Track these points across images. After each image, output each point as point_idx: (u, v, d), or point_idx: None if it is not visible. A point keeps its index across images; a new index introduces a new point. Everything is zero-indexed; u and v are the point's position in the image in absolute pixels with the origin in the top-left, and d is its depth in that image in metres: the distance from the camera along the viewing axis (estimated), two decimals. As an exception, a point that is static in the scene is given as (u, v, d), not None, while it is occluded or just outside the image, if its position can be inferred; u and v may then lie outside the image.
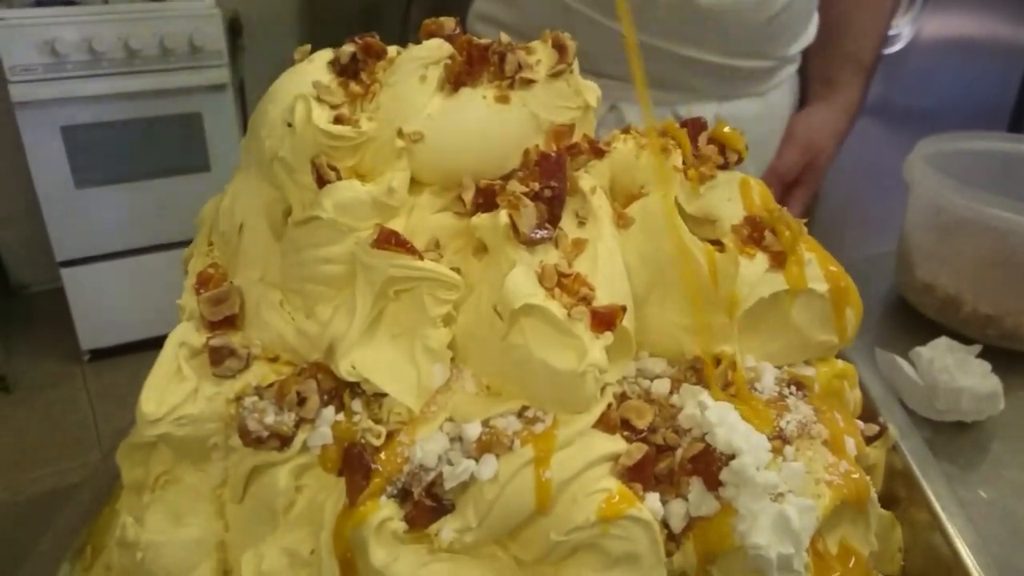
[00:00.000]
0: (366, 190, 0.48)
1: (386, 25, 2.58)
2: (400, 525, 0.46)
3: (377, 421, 0.48)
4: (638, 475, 0.47)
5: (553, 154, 0.49)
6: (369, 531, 0.45)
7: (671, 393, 0.51)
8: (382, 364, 0.48)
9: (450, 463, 0.47)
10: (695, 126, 0.54)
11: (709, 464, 0.47)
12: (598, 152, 0.53)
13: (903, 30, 2.13)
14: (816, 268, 0.52)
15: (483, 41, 0.52)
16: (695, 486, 0.48)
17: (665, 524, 0.48)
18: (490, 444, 0.46)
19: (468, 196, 0.50)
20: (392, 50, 0.53)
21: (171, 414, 0.48)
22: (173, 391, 0.48)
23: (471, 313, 0.49)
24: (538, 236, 0.47)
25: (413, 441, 0.47)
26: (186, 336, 0.50)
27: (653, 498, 0.47)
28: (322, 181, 0.48)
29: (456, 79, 0.51)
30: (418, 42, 0.53)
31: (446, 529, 0.47)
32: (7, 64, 2.05)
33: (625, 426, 0.49)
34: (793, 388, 0.52)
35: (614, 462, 0.47)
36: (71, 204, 2.25)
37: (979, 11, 1.94)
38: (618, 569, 0.46)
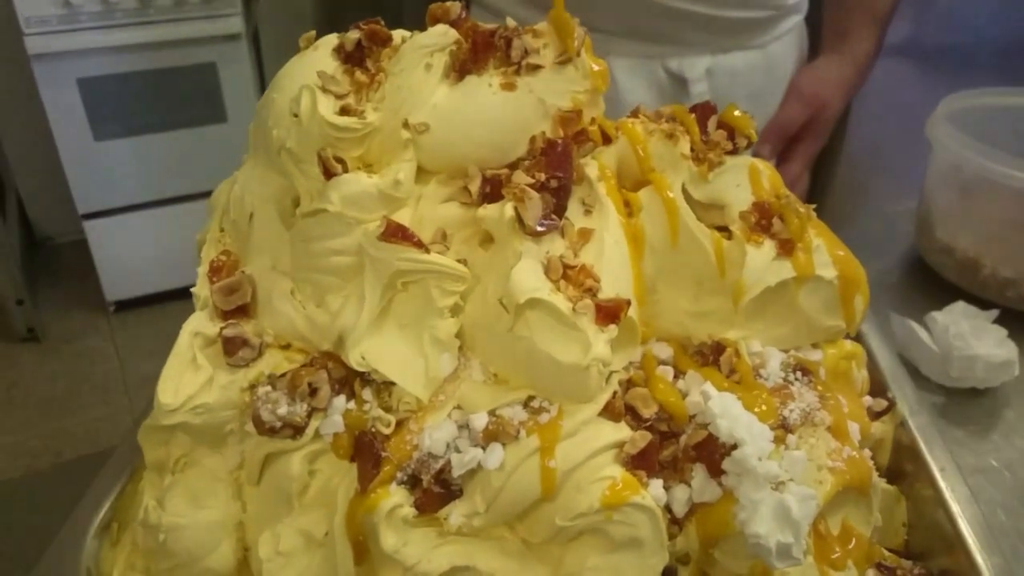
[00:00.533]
0: (372, 183, 0.49)
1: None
2: (410, 511, 0.47)
3: (387, 409, 0.49)
4: (642, 462, 0.48)
5: (559, 144, 0.49)
6: (380, 517, 0.47)
7: (676, 378, 0.52)
8: (391, 354, 0.49)
9: (458, 450, 0.48)
10: (704, 111, 0.54)
11: (712, 452, 0.48)
12: (606, 139, 0.52)
13: (934, -38, 2.05)
14: (824, 254, 0.52)
15: (488, 27, 0.51)
16: (698, 473, 0.49)
17: (668, 508, 0.49)
18: (497, 433, 0.47)
19: (474, 186, 0.50)
20: (397, 36, 0.53)
21: (187, 404, 0.49)
22: (189, 380, 0.50)
23: (478, 303, 0.50)
24: (544, 227, 0.48)
25: (422, 429, 0.49)
26: (200, 326, 0.52)
27: (656, 484, 0.48)
28: (329, 173, 0.48)
29: (461, 67, 0.50)
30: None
31: (455, 514, 0.48)
32: (22, 16, 2.05)
33: (630, 412, 0.50)
34: (799, 374, 0.53)
35: (619, 449, 0.48)
36: (91, 157, 2.27)
37: (1015, -59, 1.86)
38: (622, 552, 0.47)
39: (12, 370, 2.28)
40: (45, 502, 0.74)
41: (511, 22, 0.52)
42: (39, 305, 2.44)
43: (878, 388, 0.64)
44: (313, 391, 0.49)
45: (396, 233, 0.47)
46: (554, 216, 0.48)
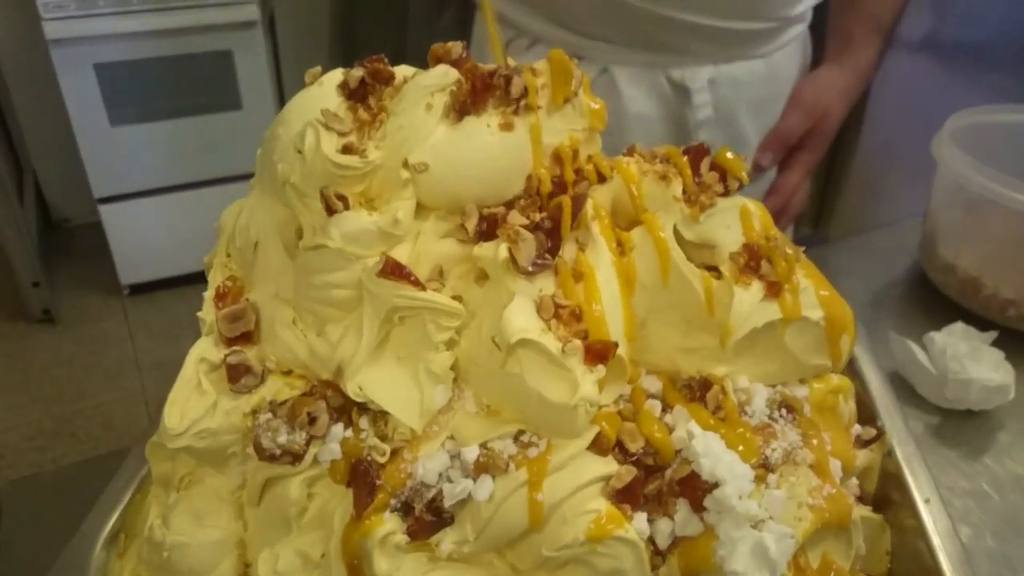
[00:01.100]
0: (372, 220, 0.50)
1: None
2: (402, 538, 0.49)
3: (383, 438, 0.51)
4: (627, 496, 0.50)
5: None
6: (373, 543, 0.49)
7: (664, 412, 0.53)
8: (387, 385, 0.51)
9: (450, 480, 0.50)
10: (697, 153, 0.55)
11: (695, 488, 0.49)
12: (601, 177, 0.54)
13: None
14: (811, 295, 0.53)
15: (488, 67, 0.52)
16: (681, 507, 0.50)
17: (652, 540, 0.51)
18: (487, 466, 0.49)
19: (471, 224, 0.51)
20: (399, 75, 0.54)
21: (192, 428, 0.51)
22: (194, 405, 0.52)
23: (473, 338, 0.51)
24: (536, 268, 0.49)
25: (416, 458, 0.50)
26: (206, 351, 0.53)
27: (641, 518, 0.50)
28: (331, 210, 0.50)
29: (461, 108, 0.51)
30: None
31: (446, 541, 0.50)
32: (41, 1, 2.07)
33: (618, 446, 0.51)
34: (783, 411, 0.54)
35: (605, 483, 0.50)
36: (107, 141, 2.30)
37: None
38: (606, 582, 0.49)
39: (27, 351, 2.33)
40: (57, 502, 0.76)
41: (512, 61, 0.53)
42: (54, 287, 2.48)
43: (868, 415, 0.66)
44: (312, 420, 0.50)
45: (394, 271, 0.49)
46: (547, 256, 0.50)
